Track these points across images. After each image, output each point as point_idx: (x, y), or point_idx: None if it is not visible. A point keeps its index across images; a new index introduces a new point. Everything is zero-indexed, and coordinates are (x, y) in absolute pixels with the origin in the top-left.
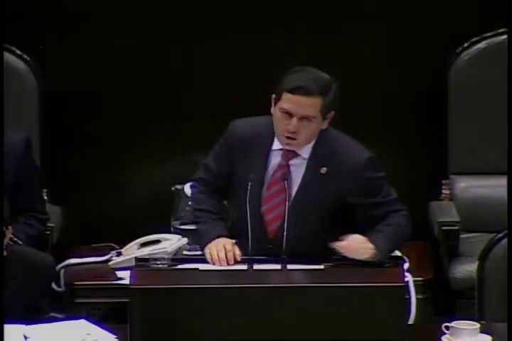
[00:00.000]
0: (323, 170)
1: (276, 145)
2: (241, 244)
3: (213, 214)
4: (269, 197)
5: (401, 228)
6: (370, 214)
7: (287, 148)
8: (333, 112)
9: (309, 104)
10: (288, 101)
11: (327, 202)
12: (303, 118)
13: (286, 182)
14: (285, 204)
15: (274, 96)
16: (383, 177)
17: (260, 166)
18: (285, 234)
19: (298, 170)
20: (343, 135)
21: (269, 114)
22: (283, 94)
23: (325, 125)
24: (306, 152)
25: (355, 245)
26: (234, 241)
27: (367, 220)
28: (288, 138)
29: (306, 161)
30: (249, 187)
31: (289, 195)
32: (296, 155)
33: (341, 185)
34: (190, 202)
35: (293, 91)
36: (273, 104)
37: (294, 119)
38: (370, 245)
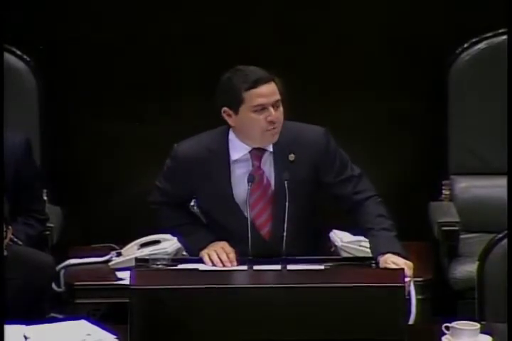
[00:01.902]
0: (291, 156)
1: (235, 155)
2: (235, 248)
3: (193, 224)
4: (254, 204)
5: (388, 217)
6: (345, 191)
7: (269, 141)
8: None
9: (274, 89)
10: (257, 95)
11: (305, 188)
12: (275, 104)
13: (286, 182)
14: (271, 205)
15: (226, 108)
16: (340, 149)
17: (224, 180)
18: (285, 234)
19: (267, 165)
20: (289, 122)
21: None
22: (245, 94)
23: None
24: (269, 145)
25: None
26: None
27: (342, 199)
28: (269, 130)
29: (271, 154)
30: (249, 187)
31: (271, 192)
32: (263, 151)
33: (313, 165)
34: (163, 223)
35: (255, 85)
36: (232, 115)
37: (271, 109)
38: (401, 261)
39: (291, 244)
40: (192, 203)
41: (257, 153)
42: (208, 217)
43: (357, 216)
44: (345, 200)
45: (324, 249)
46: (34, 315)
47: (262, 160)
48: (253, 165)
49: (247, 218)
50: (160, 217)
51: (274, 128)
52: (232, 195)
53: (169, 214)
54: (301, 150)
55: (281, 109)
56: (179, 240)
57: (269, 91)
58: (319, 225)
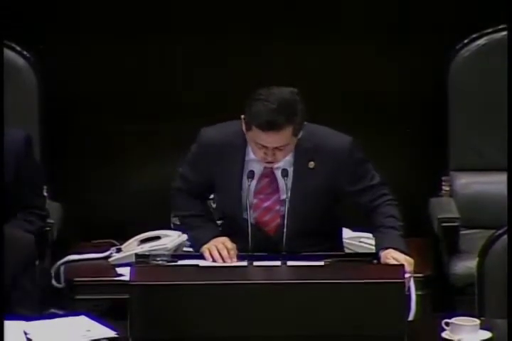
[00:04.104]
0: (311, 164)
1: (252, 154)
2: (238, 244)
3: (202, 217)
4: (259, 204)
5: (399, 219)
6: (362, 200)
7: (267, 166)
8: (304, 123)
9: (281, 137)
10: (260, 137)
11: (321, 195)
12: (277, 148)
13: (285, 178)
14: (278, 206)
15: (243, 117)
16: (367, 158)
17: (237, 175)
18: (285, 230)
19: (286, 167)
20: (318, 126)
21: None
22: (253, 128)
23: (299, 135)
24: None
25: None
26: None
27: (359, 206)
28: (267, 162)
29: (291, 160)
30: (249, 183)
31: (281, 196)
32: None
33: (332, 174)
34: (175, 211)
35: (263, 128)
36: (244, 126)
37: (270, 151)
38: (402, 257)
39: (301, 242)
40: (211, 197)
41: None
42: (221, 210)
43: (370, 218)
44: (361, 207)
45: (336, 247)
46: (17, 292)
47: (278, 165)
48: (265, 167)
49: (251, 215)
50: (174, 203)
51: (270, 162)
52: (241, 190)
53: (184, 202)
54: (321, 158)
55: (287, 149)
56: (187, 232)
57: (274, 138)
58: (333, 224)
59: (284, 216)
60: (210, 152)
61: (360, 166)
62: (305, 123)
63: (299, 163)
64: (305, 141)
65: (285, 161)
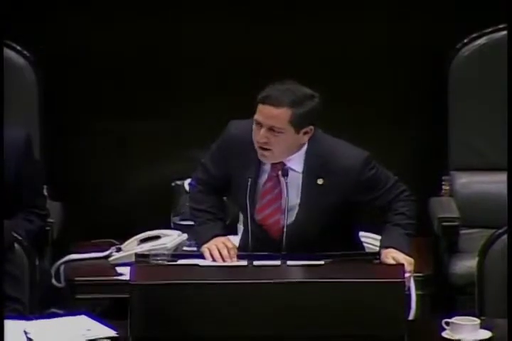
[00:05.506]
0: (320, 181)
1: None
2: (244, 241)
3: (211, 214)
4: (264, 207)
5: (409, 216)
6: (374, 206)
7: (262, 160)
8: (311, 127)
9: (276, 115)
10: (258, 111)
11: (328, 209)
12: (271, 129)
13: (285, 177)
14: (282, 210)
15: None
16: (378, 170)
17: (253, 173)
18: (284, 236)
19: (294, 184)
20: (333, 140)
21: None
22: (257, 106)
23: (304, 139)
24: (296, 164)
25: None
26: (229, 237)
27: (376, 208)
28: (260, 148)
29: (300, 175)
30: (249, 183)
31: (288, 206)
32: (283, 165)
33: (341, 190)
34: (188, 202)
35: (263, 101)
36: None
37: (263, 129)
38: (401, 257)
39: (300, 250)
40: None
41: (274, 164)
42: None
43: (383, 216)
44: (378, 208)
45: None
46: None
47: (289, 178)
48: (269, 174)
49: (254, 216)
50: (191, 195)
51: (262, 149)
52: (250, 189)
53: (198, 195)
54: (331, 175)
55: (281, 137)
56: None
57: (269, 113)
58: (348, 227)
59: (284, 224)
60: (230, 147)
61: (372, 180)
62: (319, 132)
63: (307, 178)
64: (316, 156)
65: (295, 173)
